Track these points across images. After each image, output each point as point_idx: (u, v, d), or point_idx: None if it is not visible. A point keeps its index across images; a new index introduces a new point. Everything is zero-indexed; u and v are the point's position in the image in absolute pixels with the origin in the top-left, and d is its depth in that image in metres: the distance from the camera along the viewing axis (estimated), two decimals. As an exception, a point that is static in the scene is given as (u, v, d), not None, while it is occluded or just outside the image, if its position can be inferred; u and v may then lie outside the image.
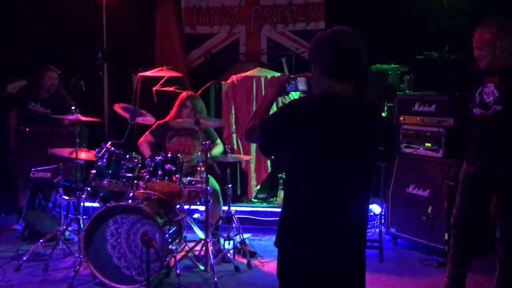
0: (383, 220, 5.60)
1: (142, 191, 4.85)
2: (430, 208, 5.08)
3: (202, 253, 4.99)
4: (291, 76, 2.60)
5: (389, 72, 6.13)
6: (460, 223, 4.15)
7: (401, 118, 5.55)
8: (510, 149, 3.90)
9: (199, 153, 5.32)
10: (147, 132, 5.66)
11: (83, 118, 5.12)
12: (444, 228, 5.05)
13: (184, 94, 5.66)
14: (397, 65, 6.15)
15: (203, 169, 4.95)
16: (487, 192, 4.08)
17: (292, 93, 2.87)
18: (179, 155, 4.88)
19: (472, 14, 6.04)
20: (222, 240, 5.27)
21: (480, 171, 4.02)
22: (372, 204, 6.15)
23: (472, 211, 4.11)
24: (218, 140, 5.73)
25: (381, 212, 5.71)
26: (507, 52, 3.81)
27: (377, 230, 5.54)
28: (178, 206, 4.96)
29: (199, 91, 6.66)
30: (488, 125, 3.95)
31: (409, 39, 6.55)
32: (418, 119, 5.41)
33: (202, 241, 4.92)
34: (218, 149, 5.60)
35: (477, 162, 4.03)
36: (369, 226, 5.94)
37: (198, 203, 5.25)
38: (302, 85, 2.55)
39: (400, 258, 5.36)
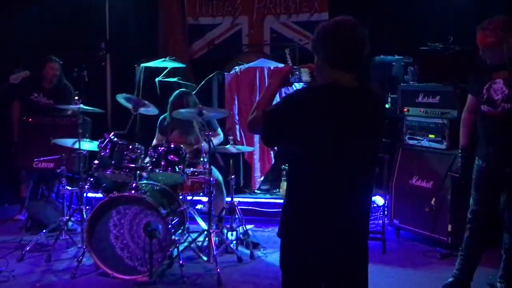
0: (386, 212, 5.59)
1: (145, 181, 4.86)
2: (433, 199, 5.07)
3: (205, 244, 5.00)
4: (295, 67, 2.59)
5: (393, 63, 6.09)
6: (477, 218, 4.08)
7: (405, 110, 5.53)
8: None
9: (202, 144, 5.31)
10: (157, 133, 5.65)
11: (86, 109, 5.12)
12: (447, 220, 5.05)
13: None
14: (401, 56, 6.11)
15: (206, 160, 4.95)
16: (499, 187, 4.01)
17: (296, 84, 2.85)
18: (182, 146, 4.87)
19: (477, 5, 6.01)
20: (225, 231, 5.27)
21: (491, 167, 3.95)
22: (375, 195, 6.15)
23: (488, 206, 4.05)
24: (219, 130, 5.71)
25: (384, 204, 5.70)
26: None
27: (380, 221, 5.54)
28: (181, 197, 4.96)
29: (202, 82, 6.65)
30: (496, 123, 3.87)
31: (413, 30, 6.52)
32: (421, 110, 5.39)
33: (205, 232, 4.92)
34: (218, 139, 5.59)
35: (487, 159, 3.97)
36: (372, 217, 5.95)
37: (201, 193, 5.24)
38: (305, 76, 2.53)
39: (403, 249, 5.36)
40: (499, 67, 3.84)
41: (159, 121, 5.62)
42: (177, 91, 5.67)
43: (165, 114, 5.61)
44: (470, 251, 4.15)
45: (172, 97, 5.58)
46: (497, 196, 4.05)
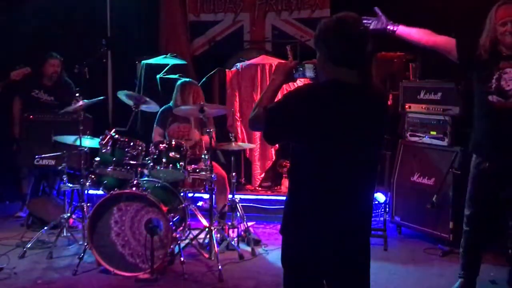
0: (387, 209, 5.58)
1: (146, 178, 4.86)
2: (435, 196, 5.06)
3: (206, 241, 5.00)
4: (299, 62, 2.57)
5: (395, 60, 6.09)
6: (475, 218, 3.96)
7: (407, 106, 5.52)
8: None
9: (201, 140, 5.31)
10: (155, 126, 5.61)
11: (87, 101, 5.09)
12: (449, 217, 5.04)
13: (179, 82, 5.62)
14: (403, 53, 6.10)
15: (207, 156, 4.94)
16: (500, 185, 3.85)
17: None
18: (183, 142, 4.87)
19: (478, 1, 5.98)
20: (226, 228, 5.27)
21: (493, 162, 3.78)
22: (376, 192, 6.13)
23: (489, 205, 3.91)
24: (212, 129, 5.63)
25: (385, 201, 5.70)
26: None
27: (382, 218, 5.54)
28: (182, 194, 4.95)
29: (203, 79, 6.64)
30: (506, 114, 3.69)
31: (415, 26, 6.48)
32: (423, 107, 5.39)
33: (207, 229, 4.92)
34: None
35: (489, 154, 3.81)
36: (373, 214, 5.93)
37: (202, 190, 5.24)
38: (309, 72, 2.52)
39: (405, 246, 5.36)
40: (509, 57, 3.68)
41: (160, 112, 5.57)
42: (189, 80, 5.63)
43: (166, 106, 5.58)
44: (470, 252, 4.06)
45: (184, 83, 5.53)
46: (497, 195, 3.88)
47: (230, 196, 5.32)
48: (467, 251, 4.06)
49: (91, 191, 5.56)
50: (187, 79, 5.70)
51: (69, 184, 5.22)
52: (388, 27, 3.80)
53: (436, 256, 5.03)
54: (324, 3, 7.54)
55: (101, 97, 5.51)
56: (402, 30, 3.84)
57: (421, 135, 5.44)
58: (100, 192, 5.03)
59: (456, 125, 5.16)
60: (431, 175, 5.29)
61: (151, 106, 5.24)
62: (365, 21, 3.63)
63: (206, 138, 4.95)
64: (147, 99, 5.11)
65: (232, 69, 6.75)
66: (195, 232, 5.08)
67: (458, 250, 4.77)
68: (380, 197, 6.03)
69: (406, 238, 5.58)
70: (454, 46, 3.80)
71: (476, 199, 3.94)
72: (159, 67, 6.51)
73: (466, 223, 4.04)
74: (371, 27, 3.73)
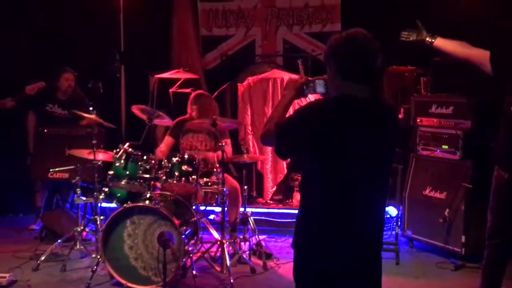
0: (399, 223, 5.57)
1: (159, 192, 4.89)
2: (447, 210, 5.05)
3: (218, 254, 5.01)
4: (309, 78, 2.60)
5: (406, 74, 6.10)
6: (497, 234, 3.89)
7: (418, 120, 5.53)
8: None
9: (214, 152, 5.34)
10: (167, 135, 5.67)
11: (100, 121, 5.18)
12: (461, 231, 5.03)
13: (192, 94, 5.69)
14: (414, 67, 6.11)
15: (219, 170, 4.97)
16: None
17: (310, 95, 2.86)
18: (195, 156, 4.91)
19: (490, 16, 5.99)
20: (238, 241, 5.28)
21: None
22: (388, 206, 6.13)
23: (510, 220, 3.85)
24: (228, 140, 5.70)
25: (397, 214, 5.69)
26: None
27: (393, 232, 5.52)
28: (194, 207, 4.98)
29: (215, 93, 6.69)
30: None
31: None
32: (435, 121, 5.39)
33: (218, 242, 4.94)
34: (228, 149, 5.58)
35: None
36: (385, 228, 5.92)
37: (214, 204, 5.26)
38: (320, 88, 2.54)
39: (417, 260, 5.34)
40: None
41: (175, 122, 5.63)
42: (202, 93, 5.69)
43: (182, 117, 5.63)
44: (492, 268, 3.97)
45: (197, 98, 5.60)
46: None
47: (242, 209, 5.33)
48: (489, 266, 3.98)
49: (104, 204, 5.60)
50: (198, 92, 5.74)
51: (82, 197, 5.25)
52: (427, 39, 3.99)
53: (448, 271, 5.00)
54: (335, 17, 7.58)
55: (114, 126, 5.56)
56: (439, 42, 3.98)
57: (433, 148, 5.43)
58: (113, 205, 5.06)
59: (468, 139, 5.16)
60: (443, 189, 5.28)
61: (164, 120, 5.28)
62: (405, 33, 4.03)
63: (219, 154, 4.98)
64: (160, 113, 5.15)
65: (243, 83, 6.80)
66: (207, 246, 5.10)
67: (470, 264, 4.77)
68: (392, 210, 6.02)
69: (418, 252, 5.56)
70: (488, 59, 3.81)
71: (498, 211, 3.89)
72: (172, 82, 6.57)
73: (488, 236, 3.96)
74: (410, 38, 4.07)
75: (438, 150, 5.38)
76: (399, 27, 4.12)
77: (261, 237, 5.47)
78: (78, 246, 5.19)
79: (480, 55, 3.86)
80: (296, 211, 2.51)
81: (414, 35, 4.07)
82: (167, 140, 5.64)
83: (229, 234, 5.19)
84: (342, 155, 2.31)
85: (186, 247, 4.48)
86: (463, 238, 5.00)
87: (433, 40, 3.97)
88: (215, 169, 5.07)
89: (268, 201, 6.74)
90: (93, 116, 5.15)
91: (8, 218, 6.87)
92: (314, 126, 2.29)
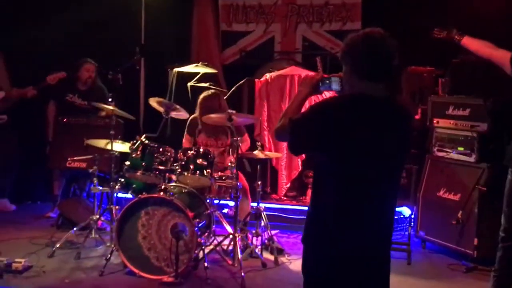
0: (412, 223, 5.57)
1: (173, 184, 4.94)
2: (460, 212, 5.04)
3: (230, 247, 5.06)
4: (325, 75, 2.62)
5: (425, 74, 6.08)
6: (511, 236, 3.90)
7: (435, 121, 5.51)
8: None
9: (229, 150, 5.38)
10: (185, 133, 5.73)
11: (118, 112, 5.24)
12: (473, 234, 5.01)
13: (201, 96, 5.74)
14: (433, 68, 6.09)
15: (233, 165, 5.01)
16: None
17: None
18: (210, 149, 4.95)
19: (509, 18, 5.95)
20: (250, 236, 5.32)
21: None
22: (402, 206, 6.13)
23: None
24: (246, 135, 5.75)
25: (410, 215, 5.68)
26: None
27: (406, 232, 5.52)
28: (208, 200, 5.03)
29: (233, 88, 6.72)
30: None
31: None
32: (451, 122, 5.37)
33: (231, 236, 4.98)
34: (245, 145, 5.63)
35: None
36: (398, 228, 5.93)
37: (227, 198, 5.30)
38: (335, 85, 2.56)
39: (428, 261, 5.34)
40: None
41: (188, 121, 5.69)
42: (209, 92, 5.74)
43: (194, 115, 5.69)
44: (504, 271, 3.97)
45: (202, 97, 5.65)
46: None
47: (255, 204, 5.37)
48: (501, 269, 3.98)
49: (120, 194, 5.66)
50: (207, 92, 5.77)
51: (99, 187, 5.33)
52: (456, 37, 4.29)
53: (460, 273, 4.99)
54: (355, 15, 7.56)
55: (132, 118, 5.62)
56: (466, 40, 4.25)
57: (449, 150, 5.41)
58: (129, 195, 5.13)
59: (484, 141, 5.13)
60: (457, 191, 5.27)
61: (181, 114, 5.33)
62: (437, 30, 4.37)
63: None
64: (178, 106, 5.19)
65: (261, 79, 6.82)
66: (219, 238, 5.14)
67: (482, 267, 4.76)
68: (405, 211, 6.01)
69: (430, 253, 5.55)
70: (509, 60, 3.86)
71: (511, 214, 3.90)
72: (190, 75, 6.61)
73: (501, 239, 3.97)
74: (441, 35, 4.41)
75: (454, 152, 5.36)
76: (419, 26, 4.16)
77: (273, 232, 5.49)
78: (93, 235, 5.28)
79: (502, 56, 3.94)
80: (309, 208, 2.53)
81: (445, 32, 4.37)
82: (187, 138, 5.71)
83: (241, 228, 5.22)
84: (354, 153, 2.32)
85: (198, 239, 4.52)
86: (475, 241, 4.98)
87: (461, 38, 4.21)
88: (229, 163, 5.11)
89: (282, 197, 6.77)
90: (111, 107, 5.22)
91: (26, 205, 6.98)
92: (327, 123, 2.31)
